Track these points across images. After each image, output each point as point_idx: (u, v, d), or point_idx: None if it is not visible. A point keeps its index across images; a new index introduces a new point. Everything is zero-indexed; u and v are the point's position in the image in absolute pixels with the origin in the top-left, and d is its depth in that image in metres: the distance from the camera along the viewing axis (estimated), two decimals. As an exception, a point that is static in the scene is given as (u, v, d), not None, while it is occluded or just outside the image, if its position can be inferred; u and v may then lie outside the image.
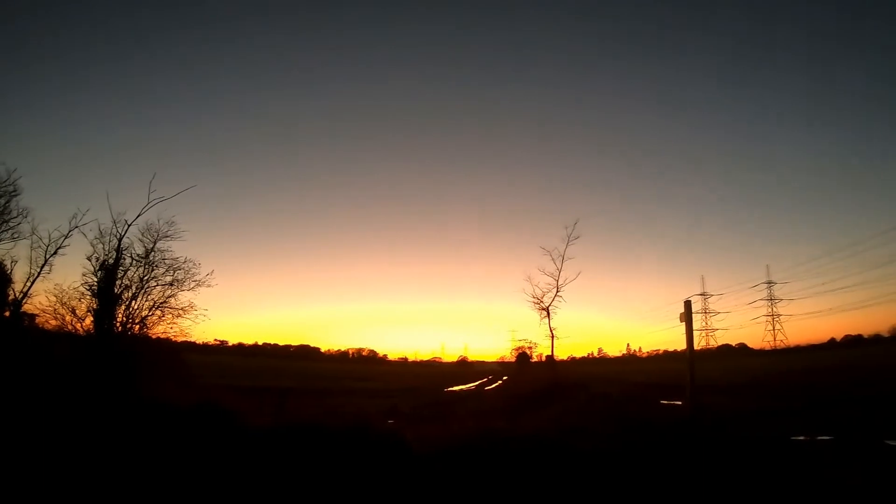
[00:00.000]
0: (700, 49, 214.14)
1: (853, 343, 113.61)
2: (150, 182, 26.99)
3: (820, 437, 17.50)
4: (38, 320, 26.55)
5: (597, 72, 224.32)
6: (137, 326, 26.55)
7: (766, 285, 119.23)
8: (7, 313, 26.03)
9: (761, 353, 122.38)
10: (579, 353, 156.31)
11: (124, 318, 26.20)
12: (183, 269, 27.61)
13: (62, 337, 25.10)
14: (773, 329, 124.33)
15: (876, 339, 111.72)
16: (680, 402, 28.63)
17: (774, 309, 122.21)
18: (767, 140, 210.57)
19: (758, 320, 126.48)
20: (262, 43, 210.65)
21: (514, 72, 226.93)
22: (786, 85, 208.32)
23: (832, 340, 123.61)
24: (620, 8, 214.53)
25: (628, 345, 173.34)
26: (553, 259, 46.20)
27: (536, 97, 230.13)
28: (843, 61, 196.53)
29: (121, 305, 26.14)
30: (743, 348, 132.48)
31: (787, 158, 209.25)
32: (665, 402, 31.53)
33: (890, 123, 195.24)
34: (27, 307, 26.34)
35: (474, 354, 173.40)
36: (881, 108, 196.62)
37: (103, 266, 26.00)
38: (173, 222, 27.52)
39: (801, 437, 17.70)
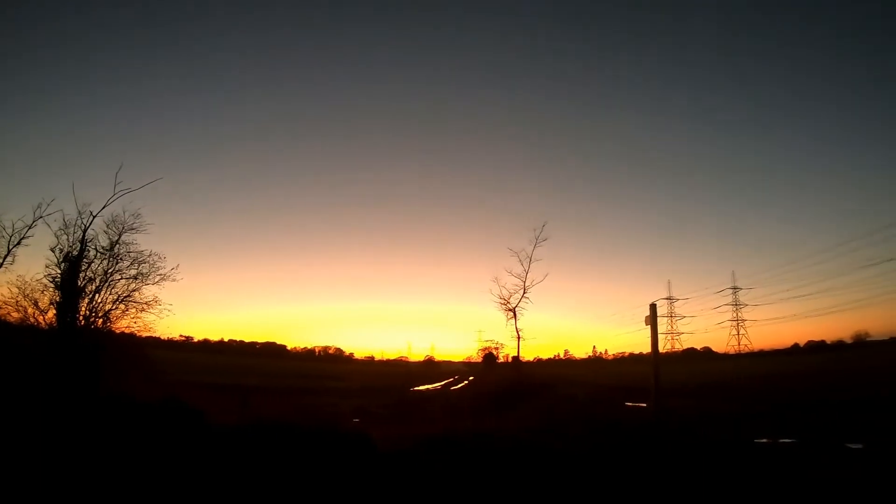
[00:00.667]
0: (665, 54, 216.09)
1: (816, 349, 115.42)
2: (117, 173, 26.61)
3: (783, 440, 17.77)
4: (-1, 312, 26.08)
5: (565, 75, 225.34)
6: (101, 320, 26.20)
7: (731, 291, 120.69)
8: (-33, 305, 25.53)
9: (726, 357, 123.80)
10: (546, 355, 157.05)
11: (88, 312, 25.83)
12: (148, 262, 27.30)
13: (24, 330, 24.69)
14: (738, 334, 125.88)
15: (839, 346, 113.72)
16: (645, 405, 28.91)
17: (739, 314, 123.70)
18: (735, 147, 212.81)
19: (723, 325, 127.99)
20: (230, 35, 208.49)
21: (481, 74, 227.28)
22: (752, 92, 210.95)
23: (796, 346, 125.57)
24: (584, 12, 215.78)
25: (594, 347, 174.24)
26: (520, 260, 46.42)
27: (505, 100, 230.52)
28: (803, 67, 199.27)
29: (84, 298, 25.77)
30: (708, 352, 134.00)
31: (754, 166, 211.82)
32: (630, 404, 31.85)
33: (856, 131, 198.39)
34: (-12, 298, 25.85)
35: (441, 354, 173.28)
36: (847, 116, 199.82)
37: (67, 258, 25.59)
38: (139, 214, 27.18)
39: (765, 440, 17.97)
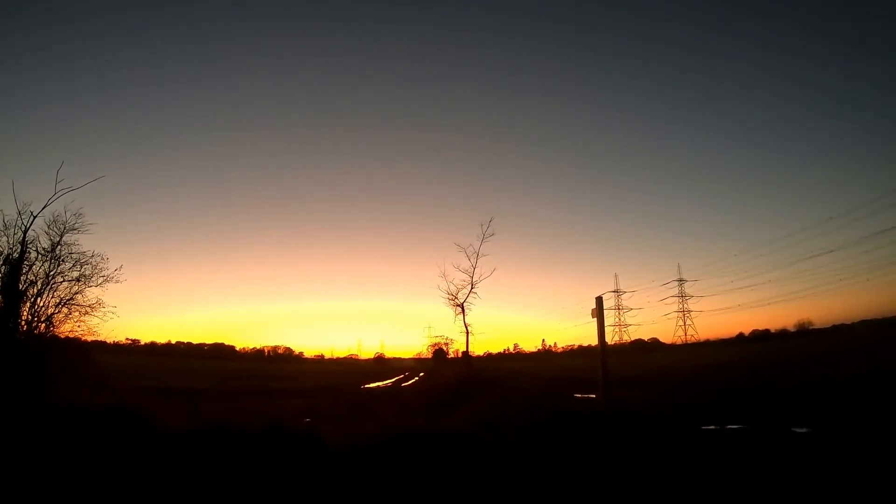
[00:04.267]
0: (608, 49, 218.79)
1: (761, 338, 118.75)
2: (58, 171, 25.97)
3: (730, 426, 18.22)
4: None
5: (512, 71, 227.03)
6: (43, 325, 25.61)
7: (677, 283, 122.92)
8: None
9: (673, 347, 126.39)
10: (496, 349, 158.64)
11: (29, 317, 25.22)
12: (91, 263, 26.72)
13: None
14: (685, 325, 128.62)
15: (782, 334, 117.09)
16: (594, 396, 29.35)
17: (685, 305, 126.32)
18: (678, 140, 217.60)
19: (669, 316, 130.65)
20: (171, 26, 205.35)
21: (429, 70, 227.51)
22: (694, 84, 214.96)
23: (741, 335, 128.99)
24: (530, 9, 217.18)
25: (544, 340, 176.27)
26: (468, 256, 46.79)
27: (451, 95, 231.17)
28: (747, 60, 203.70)
29: (26, 303, 25.14)
30: (655, 343, 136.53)
31: (700, 159, 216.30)
32: (579, 395, 32.28)
33: (797, 123, 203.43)
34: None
35: (391, 351, 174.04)
36: (789, 108, 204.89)
37: (7, 260, 24.95)
38: (81, 214, 26.56)
39: (712, 427, 18.40)
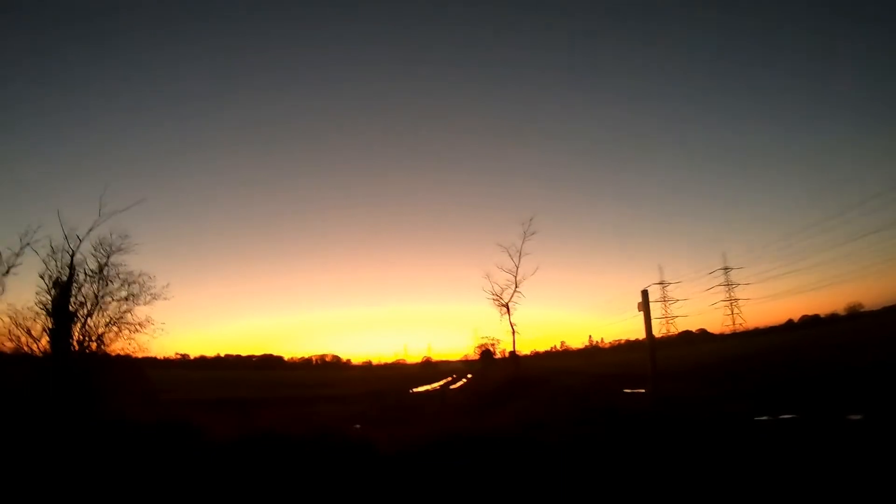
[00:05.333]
0: (648, 40, 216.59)
1: (811, 323, 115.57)
2: (102, 196, 26.69)
3: (783, 416, 17.86)
4: (-7, 343, 25.98)
5: (549, 68, 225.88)
6: (95, 344, 26.15)
7: (722, 271, 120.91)
8: (-38, 339, 25.42)
9: (721, 337, 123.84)
10: (542, 348, 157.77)
11: (81, 336, 25.79)
12: (138, 282, 27.32)
13: (19, 359, 24.62)
14: (732, 313, 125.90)
15: (833, 319, 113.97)
16: (643, 391, 29.03)
17: (732, 294, 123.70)
18: (719, 127, 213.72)
19: (716, 306, 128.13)
20: (210, 53, 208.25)
21: (467, 72, 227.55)
22: (736, 72, 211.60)
23: (790, 322, 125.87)
24: (567, 5, 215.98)
25: (590, 336, 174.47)
26: (511, 255, 46.87)
27: (489, 96, 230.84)
28: (787, 47, 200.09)
29: (77, 323, 25.72)
30: (703, 334, 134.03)
31: (739, 144, 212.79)
32: (628, 390, 31.91)
33: (839, 106, 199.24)
34: (-19, 331, 25.75)
35: (438, 354, 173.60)
36: (830, 92, 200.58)
37: (57, 283, 25.57)
38: (126, 235, 27.23)
39: (765, 417, 18.05)
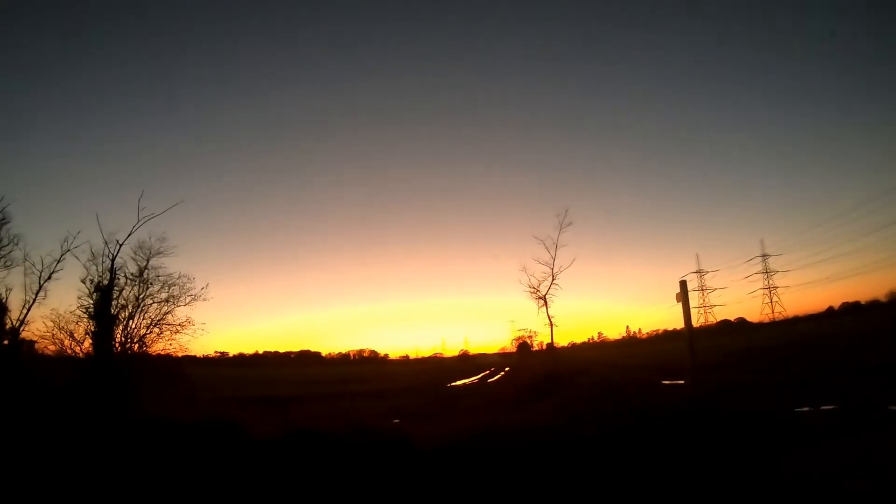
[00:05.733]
0: (684, 29, 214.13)
1: (851, 310, 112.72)
2: (139, 200, 27.07)
3: (824, 407, 17.59)
4: (37, 346, 26.57)
5: (583, 58, 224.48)
6: (136, 345, 26.63)
7: (760, 259, 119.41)
8: (5, 342, 26.01)
9: (760, 326, 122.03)
10: (579, 339, 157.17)
11: (123, 338, 26.27)
12: (178, 284, 27.74)
13: (62, 361, 25.14)
14: (771, 301, 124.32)
15: (873, 305, 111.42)
16: (682, 382, 28.77)
17: (771, 281, 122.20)
18: (754, 113, 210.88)
19: (755, 294, 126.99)
20: (242, 54, 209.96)
21: (500, 64, 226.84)
22: (771, 59, 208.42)
23: (830, 309, 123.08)
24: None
25: (627, 327, 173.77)
26: (547, 247, 46.59)
27: (523, 87, 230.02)
28: (824, 32, 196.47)
29: (118, 325, 26.21)
30: (742, 323, 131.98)
31: (774, 131, 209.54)
32: (667, 382, 31.65)
33: (879, 88, 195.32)
34: (25, 334, 26.34)
35: (475, 347, 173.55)
36: (867, 75, 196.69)
37: (98, 287, 26.06)
38: (165, 238, 27.66)
39: (806, 408, 17.79)
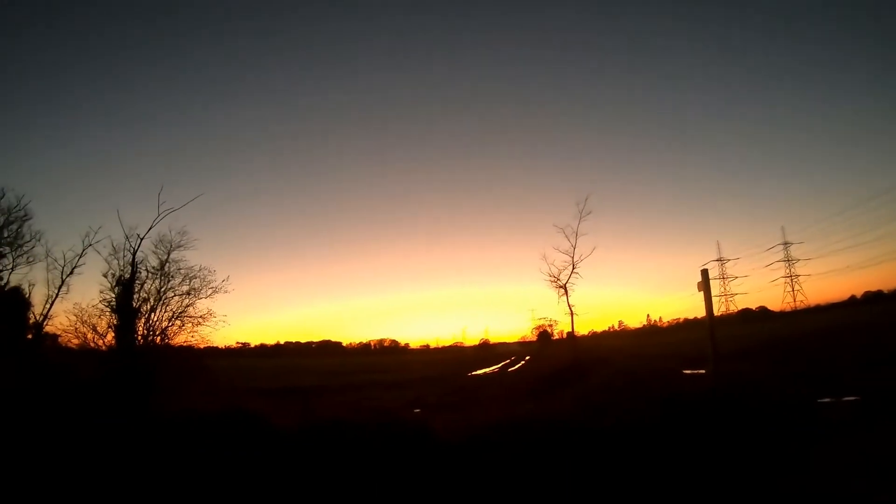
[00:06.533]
0: (704, 17, 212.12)
1: (874, 299, 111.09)
2: (159, 194, 27.23)
3: (846, 399, 17.43)
4: (60, 340, 27.01)
5: (603, 45, 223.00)
6: (159, 338, 26.86)
7: (782, 246, 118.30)
8: (29, 336, 26.37)
9: (782, 315, 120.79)
10: (600, 328, 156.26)
11: (145, 331, 26.52)
12: (199, 277, 27.91)
13: (85, 354, 25.44)
14: (793, 290, 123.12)
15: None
16: (703, 371, 28.59)
17: (792, 270, 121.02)
18: (775, 100, 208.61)
19: (776, 282, 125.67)
20: (261, 46, 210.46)
21: (520, 52, 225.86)
22: (792, 45, 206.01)
23: (853, 298, 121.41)
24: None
25: (648, 316, 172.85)
26: (567, 236, 46.51)
27: (543, 75, 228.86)
28: (850, 18, 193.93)
29: (140, 318, 26.45)
30: (763, 311, 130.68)
31: (796, 117, 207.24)
32: (688, 371, 31.48)
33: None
34: (49, 328, 26.77)
35: (495, 336, 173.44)
36: (890, 57, 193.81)
37: (120, 281, 26.31)
38: (185, 232, 27.83)
39: (828, 399, 17.64)
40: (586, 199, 46.64)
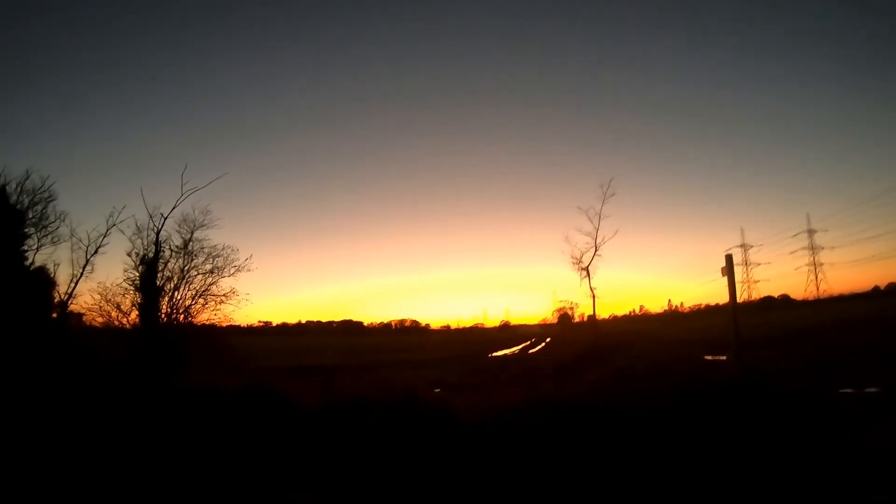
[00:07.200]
0: (721, 5, 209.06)
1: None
2: (182, 174, 27.52)
3: (868, 390, 17.30)
4: (85, 318, 27.39)
5: (627, 29, 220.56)
6: (182, 316, 27.22)
7: (806, 234, 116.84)
8: (54, 314, 26.72)
9: (804, 303, 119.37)
10: (621, 312, 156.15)
11: (168, 309, 26.87)
12: (222, 256, 28.24)
13: (110, 332, 25.83)
14: (816, 279, 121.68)
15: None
16: (724, 358, 28.44)
17: (816, 258, 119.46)
18: (802, 85, 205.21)
19: (800, 270, 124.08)
20: (284, 27, 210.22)
21: (543, 34, 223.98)
22: (818, 30, 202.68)
23: (876, 289, 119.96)
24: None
25: (670, 301, 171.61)
26: (590, 218, 46.58)
27: (566, 57, 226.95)
28: (872, 5, 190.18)
29: (164, 297, 26.80)
30: (785, 299, 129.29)
31: (822, 102, 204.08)
32: (709, 357, 31.35)
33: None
34: (73, 307, 27.17)
35: (516, 318, 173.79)
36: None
37: (143, 260, 26.65)
38: (208, 211, 28.12)
39: (850, 390, 17.51)
40: (610, 181, 46.89)
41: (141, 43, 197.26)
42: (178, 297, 27.14)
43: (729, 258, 24.49)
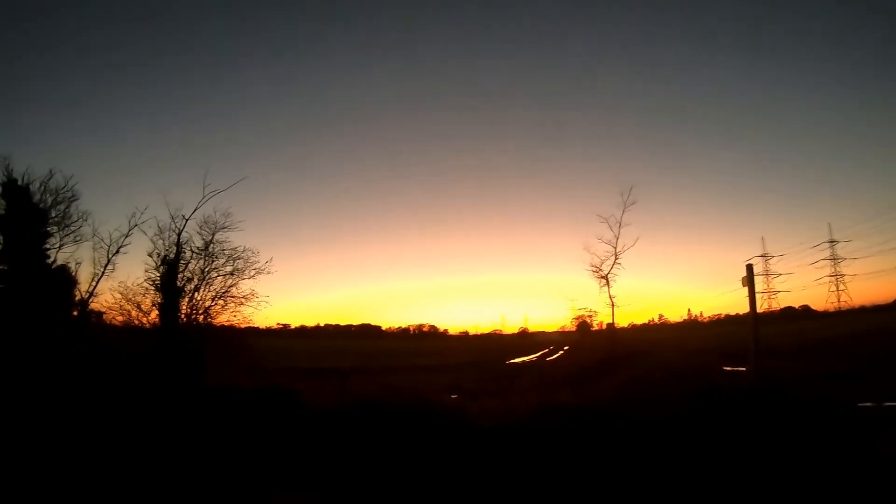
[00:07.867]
0: (745, 10, 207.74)
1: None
2: (204, 177, 27.71)
3: (888, 404, 17.11)
4: (105, 317, 27.65)
5: (648, 37, 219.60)
6: (202, 317, 27.42)
7: (828, 244, 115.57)
8: (75, 312, 26.96)
9: (825, 314, 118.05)
10: (639, 321, 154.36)
11: (188, 310, 27.06)
12: (242, 258, 28.38)
13: (130, 331, 26.08)
14: (838, 290, 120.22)
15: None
16: (743, 368, 28.24)
17: (838, 269, 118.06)
18: (824, 94, 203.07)
19: (821, 281, 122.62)
20: (302, 30, 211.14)
21: (562, 42, 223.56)
22: (842, 39, 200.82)
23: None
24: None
25: (689, 310, 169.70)
26: (610, 226, 46.14)
27: (586, 65, 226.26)
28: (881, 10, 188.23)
29: (184, 297, 27.00)
30: (806, 310, 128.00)
31: (845, 112, 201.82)
32: (728, 368, 31.14)
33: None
34: (94, 305, 27.38)
35: (534, 325, 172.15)
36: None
37: (164, 261, 26.88)
38: (229, 213, 28.28)
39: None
40: (630, 189, 46.28)
41: (167, 46, 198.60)
42: (198, 298, 27.39)
43: (749, 268, 24.42)
